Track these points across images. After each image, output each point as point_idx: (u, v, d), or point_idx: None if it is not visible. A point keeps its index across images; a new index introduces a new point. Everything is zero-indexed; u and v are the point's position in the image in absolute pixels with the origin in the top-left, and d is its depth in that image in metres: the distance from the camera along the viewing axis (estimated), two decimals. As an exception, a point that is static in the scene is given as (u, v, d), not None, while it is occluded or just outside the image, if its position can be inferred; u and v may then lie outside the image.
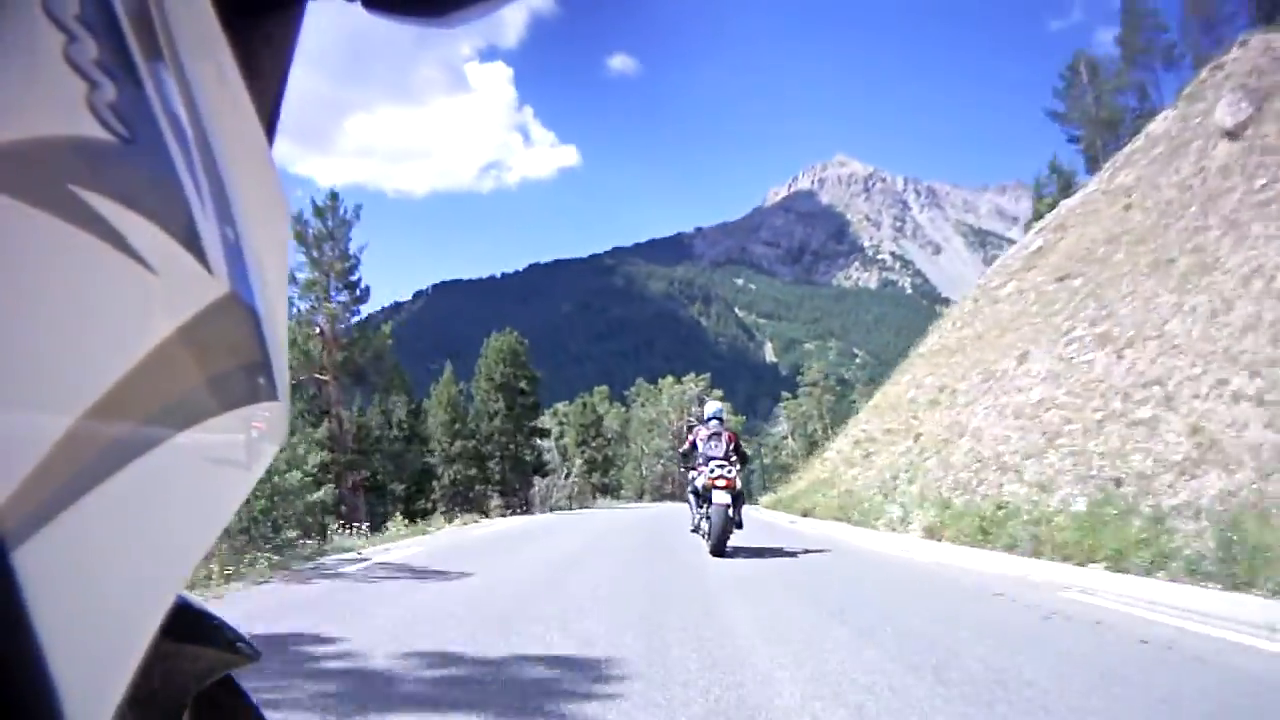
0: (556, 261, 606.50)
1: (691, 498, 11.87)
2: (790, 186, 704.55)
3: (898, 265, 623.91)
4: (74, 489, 0.40)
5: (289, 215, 0.77)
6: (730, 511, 10.95)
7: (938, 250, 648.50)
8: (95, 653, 0.42)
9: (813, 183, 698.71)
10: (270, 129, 0.78)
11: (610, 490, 63.38)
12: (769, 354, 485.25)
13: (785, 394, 65.46)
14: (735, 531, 11.48)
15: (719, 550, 10.80)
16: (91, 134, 0.44)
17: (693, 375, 78.47)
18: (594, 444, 62.37)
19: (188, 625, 1.01)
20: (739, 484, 11.26)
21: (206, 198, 0.58)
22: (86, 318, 0.43)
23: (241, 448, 0.67)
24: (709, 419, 11.96)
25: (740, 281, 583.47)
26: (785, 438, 71.23)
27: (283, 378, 0.75)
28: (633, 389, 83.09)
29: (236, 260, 0.63)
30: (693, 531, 12.05)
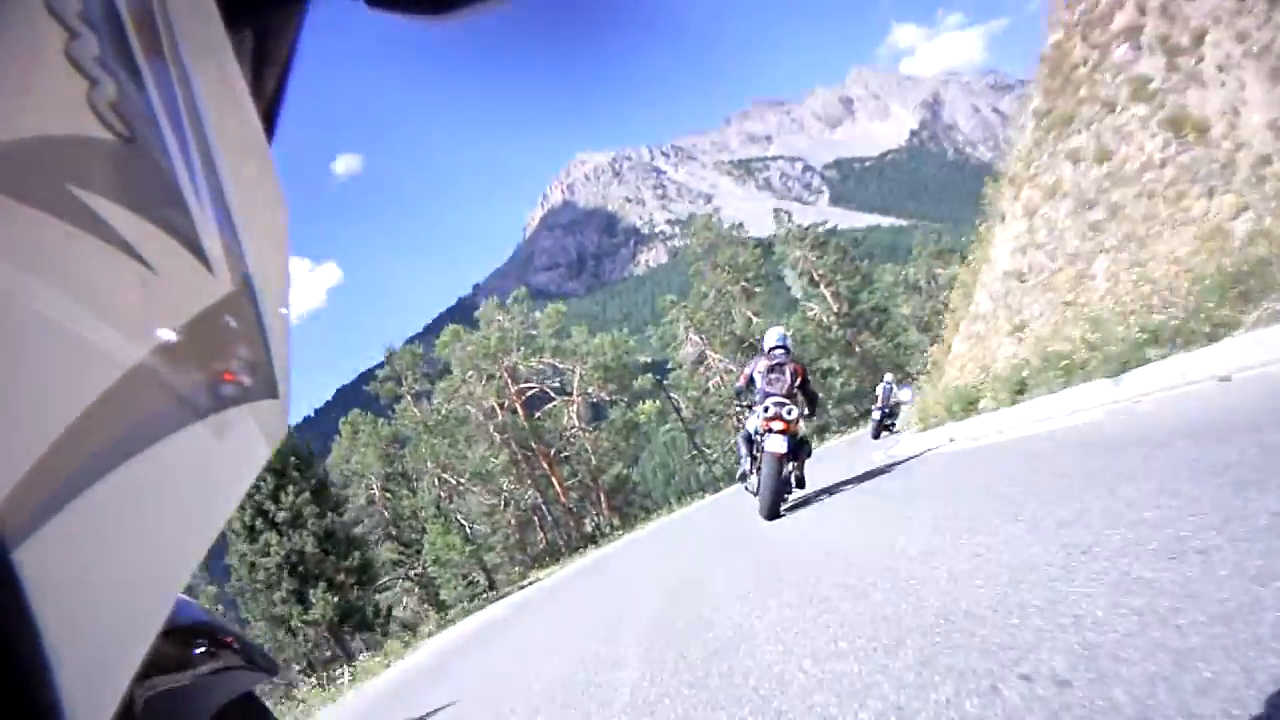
0: (359, 375, 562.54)
1: (743, 444, 9.32)
2: (544, 204, 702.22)
3: (678, 229, 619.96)
4: (74, 487, 0.40)
5: (288, 215, 0.78)
6: (788, 464, 8.65)
7: (709, 199, 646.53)
8: (97, 650, 0.42)
9: (563, 191, 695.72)
10: (271, 128, 0.79)
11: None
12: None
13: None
14: (796, 491, 9.33)
15: (772, 511, 8.41)
16: (92, 133, 0.44)
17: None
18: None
19: (210, 642, 1.05)
20: (802, 429, 9.00)
21: (206, 197, 0.59)
22: (87, 317, 0.43)
23: (242, 445, 0.68)
24: (771, 348, 9.42)
25: (537, 315, 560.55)
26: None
27: (283, 376, 0.76)
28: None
29: (237, 259, 0.64)
30: (740, 482, 10.03)
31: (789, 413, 8.55)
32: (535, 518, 52.39)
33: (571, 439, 53.33)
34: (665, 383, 61.40)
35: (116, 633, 0.45)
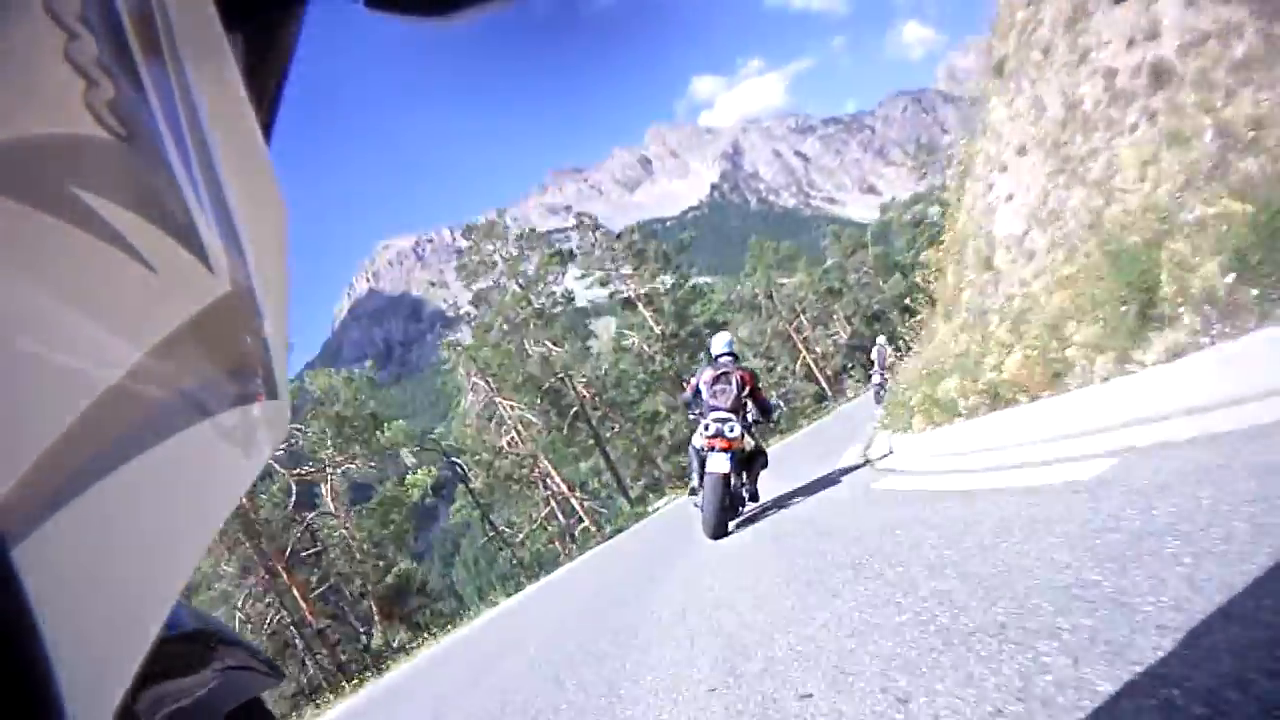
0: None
1: (693, 457, 8.53)
2: (350, 295, 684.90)
3: (482, 306, 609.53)
4: (75, 486, 0.40)
5: (287, 214, 0.78)
6: (735, 480, 8.21)
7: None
8: (98, 649, 0.42)
9: (369, 279, 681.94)
10: (269, 128, 0.79)
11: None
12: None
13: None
14: (750, 504, 8.90)
15: (716, 531, 7.93)
16: (91, 134, 0.44)
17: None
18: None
19: (214, 648, 1.06)
20: (750, 443, 8.49)
21: (205, 197, 0.58)
22: (87, 316, 0.43)
23: (243, 444, 0.67)
24: (717, 356, 8.95)
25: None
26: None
27: (283, 375, 0.76)
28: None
29: (236, 259, 0.63)
30: (690, 496, 9.20)
31: (731, 430, 8.13)
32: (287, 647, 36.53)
33: (327, 531, 37.54)
34: (445, 444, 47.18)
35: (117, 632, 0.45)
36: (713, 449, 8.07)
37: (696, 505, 8.58)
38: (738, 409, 8.47)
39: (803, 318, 65.62)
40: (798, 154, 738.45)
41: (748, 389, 8.67)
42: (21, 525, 0.35)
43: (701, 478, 8.26)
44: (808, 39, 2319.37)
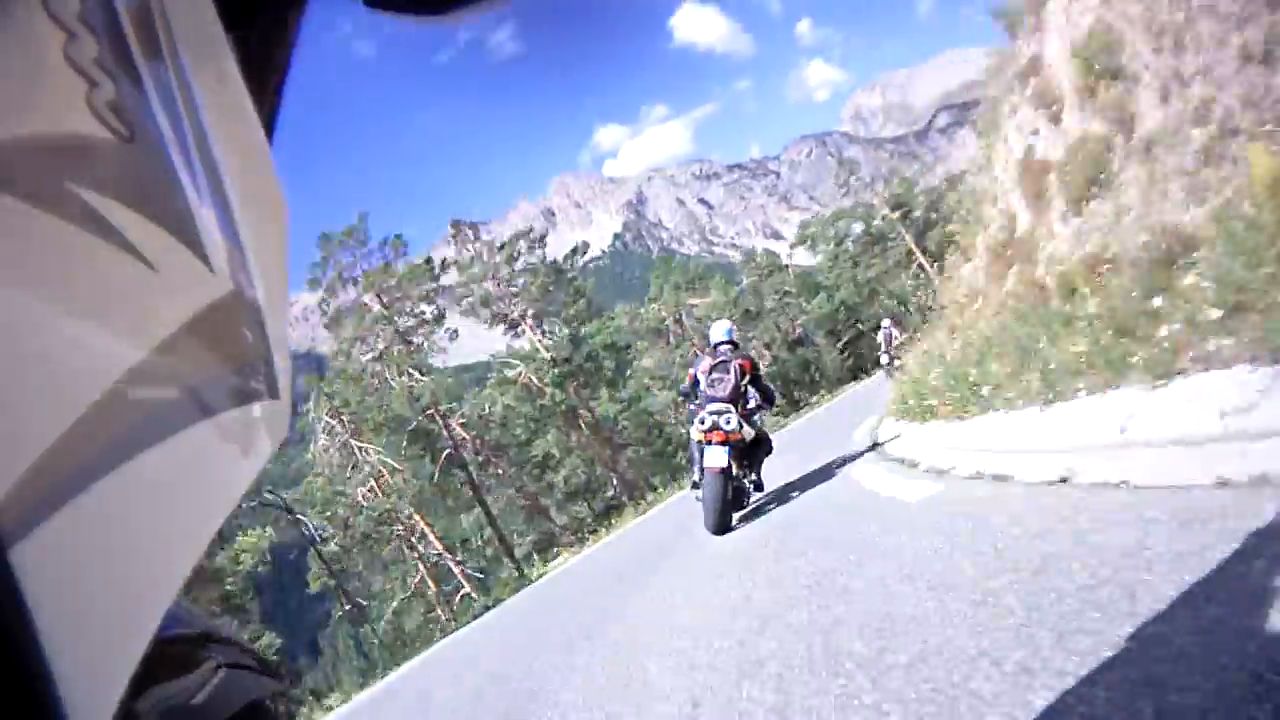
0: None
1: (694, 449, 8.25)
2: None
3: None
4: (74, 486, 0.40)
5: (288, 214, 0.78)
6: (737, 472, 8.11)
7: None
8: (96, 649, 0.42)
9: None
10: (270, 128, 0.79)
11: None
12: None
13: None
14: (755, 494, 8.84)
15: (719, 526, 7.69)
16: (92, 133, 0.44)
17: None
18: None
19: (216, 650, 1.05)
20: (750, 432, 8.24)
21: (206, 196, 0.59)
22: (87, 316, 0.43)
23: (243, 445, 0.68)
24: (716, 344, 8.86)
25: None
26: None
27: (284, 375, 0.77)
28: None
29: (237, 258, 0.64)
30: (693, 490, 8.77)
31: (728, 422, 7.96)
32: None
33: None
34: (289, 500, 37.93)
35: (115, 633, 0.46)
36: (709, 443, 7.85)
37: (698, 499, 8.22)
38: (736, 399, 8.26)
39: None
40: (701, 201, 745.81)
41: (747, 377, 8.46)
42: (21, 525, 0.35)
43: (702, 471, 7.96)
44: (712, 84, 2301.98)
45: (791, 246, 76.75)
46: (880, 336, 27.41)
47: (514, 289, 46.65)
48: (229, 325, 0.63)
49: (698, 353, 55.60)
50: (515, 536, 43.98)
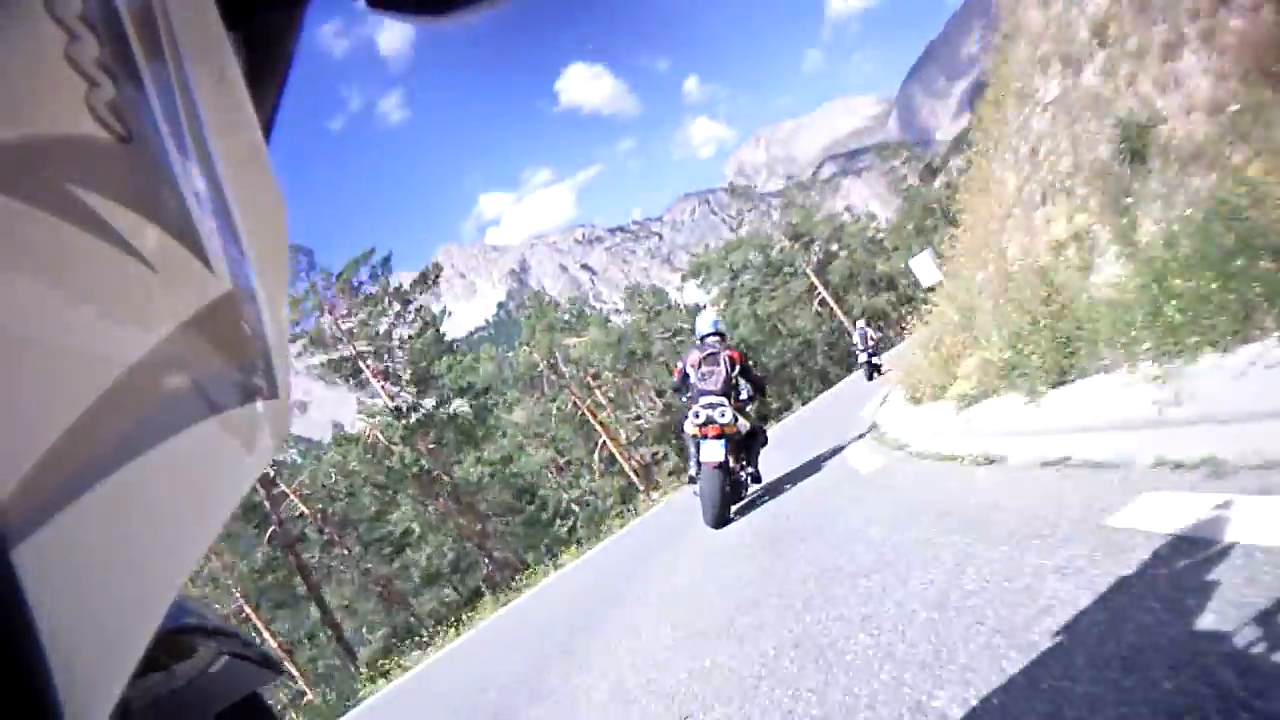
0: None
1: (690, 444, 8.19)
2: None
3: None
4: (75, 487, 0.40)
5: (287, 214, 0.78)
6: (734, 465, 8.12)
7: (304, 406, 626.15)
8: (96, 649, 0.42)
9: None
10: (270, 128, 0.79)
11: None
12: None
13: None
14: (752, 486, 8.87)
15: (718, 520, 7.71)
16: (91, 133, 0.45)
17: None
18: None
19: (212, 642, 1.06)
20: (744, 425, 8.25)
21: (206, 196, 0.59)
22: (87, 316, 0.43)
23: (242, 446, 0.68)
24: (703, 337, 8.78)
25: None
26: None
27: (284, 376, 0.76)
28: None
29: (237, 258, 0.64)
30: (690, 484, 8.80)
31: (722, 415, 7.96)
32: None
33: None
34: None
35: (115, 634, 0.46)
36: (705, 437, 7.85)
37: (696, 494, 8.30)
38: (729, 391, 8.26)
39: (598, 393, 50.04)
40: (584, 267, 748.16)
41: (738, 368, 8.48)
42: (21, 526, 0.35)
43: (699, 466, 7.99)
44: (597, 145, 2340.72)
45: (683, 278, 72.38)
46: (856, 338, 29.71)
47: (352, 324, 39.67)
48: (228, 325, 0.63)
49: (576, 402, 50.54)
50: (365, 631, 36.41)
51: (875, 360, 27.83)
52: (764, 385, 9.14)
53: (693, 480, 8.36)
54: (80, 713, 0.38)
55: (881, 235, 73.09)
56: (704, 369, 8.33)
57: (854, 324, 33.69)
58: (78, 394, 0.41)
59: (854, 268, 66.47)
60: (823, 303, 57.36)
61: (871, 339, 28.31)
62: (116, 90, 0.47)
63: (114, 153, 0.47)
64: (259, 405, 0.69)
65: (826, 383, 59.11)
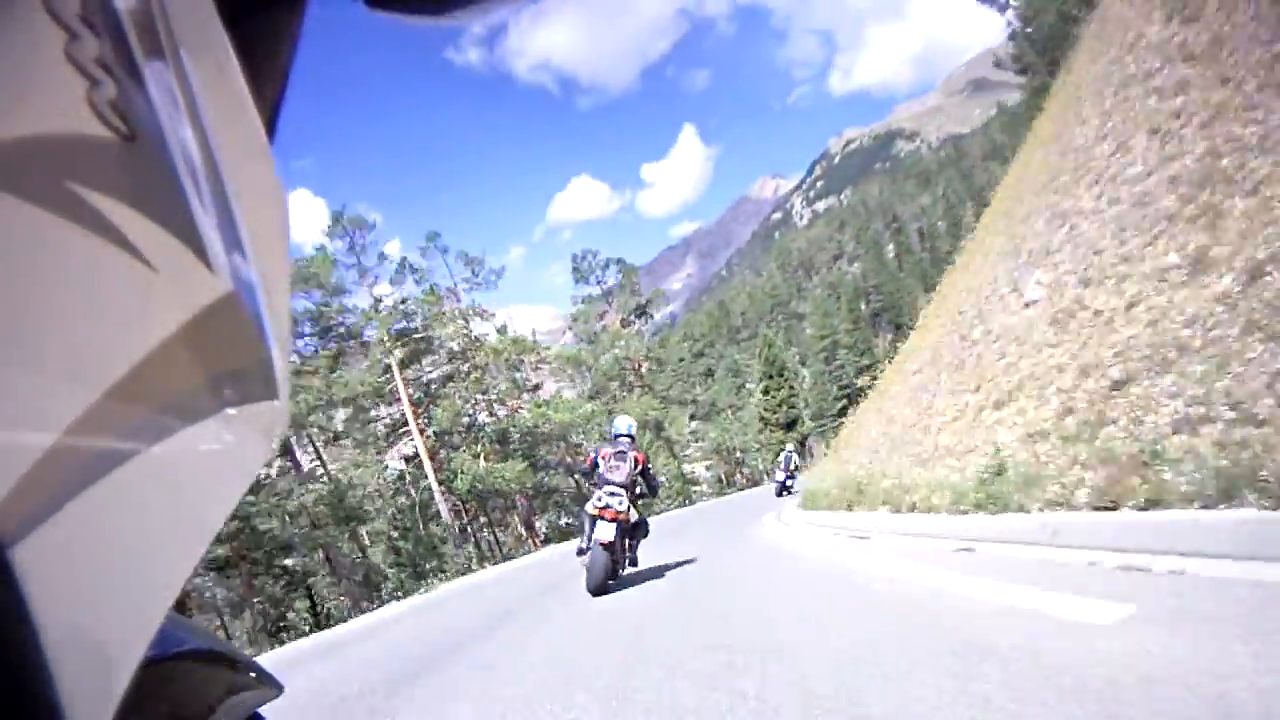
0: None
1: (586, 520, 9.81)
2: None
3: None
4: (73, 486, 0.40)
5: (289, 214, 0.79)
6: (620, 544, 9.68)
7: None
8: (96, 648, 0.43)
9: None
10: (271, 127, 0.80)
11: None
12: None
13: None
14: (629, 568, 10.42)
15: (598, 589, 9.38)
16: (92, 132, 0.44)
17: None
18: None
19: (215, 665, 1.08)
20: (634, 515, 9.93)
21: (207, 196, 0.59)
22: (87, 316, 0.43)
23: (241, 446, 0.68)
24: (617, 435, 10.43)
25: None
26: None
27: (284, 377, 0.76)
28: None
29: (238, 258, 0.64)
30: (579, 555, 10.17)
31: (620, 504, 9.43)
32: None
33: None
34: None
35: (115, 632, 0.45)
36: (601, 518, 9.43)
37: (584, 564, 9.86)
38: (629, 484, 9.81)
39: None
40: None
41: (639, 467, 10.03)
42: (21, 525, 0.35)
43: (590, 541, 9.58)
44: None
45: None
46: (781, 458, 32.66)
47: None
48: (229, 325, 0.63)
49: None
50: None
51: (791, 483, 30.02)
52: (657, 487, 10.59)
53: (581, 552, 9.87)
54: (82, 712, 0.38)
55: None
56: (613, 462, 9.86)
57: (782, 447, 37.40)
58: (78, 393, 0.41)
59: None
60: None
61: (795, 464, 31.20)
62: (117, 89, 0.47)
63: (116, 151, 0.47)
64: (258, 406, 0.70)
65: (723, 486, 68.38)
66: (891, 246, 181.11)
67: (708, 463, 71.44)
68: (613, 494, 9.50)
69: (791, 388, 74.86)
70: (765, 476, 60.80)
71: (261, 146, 0.70)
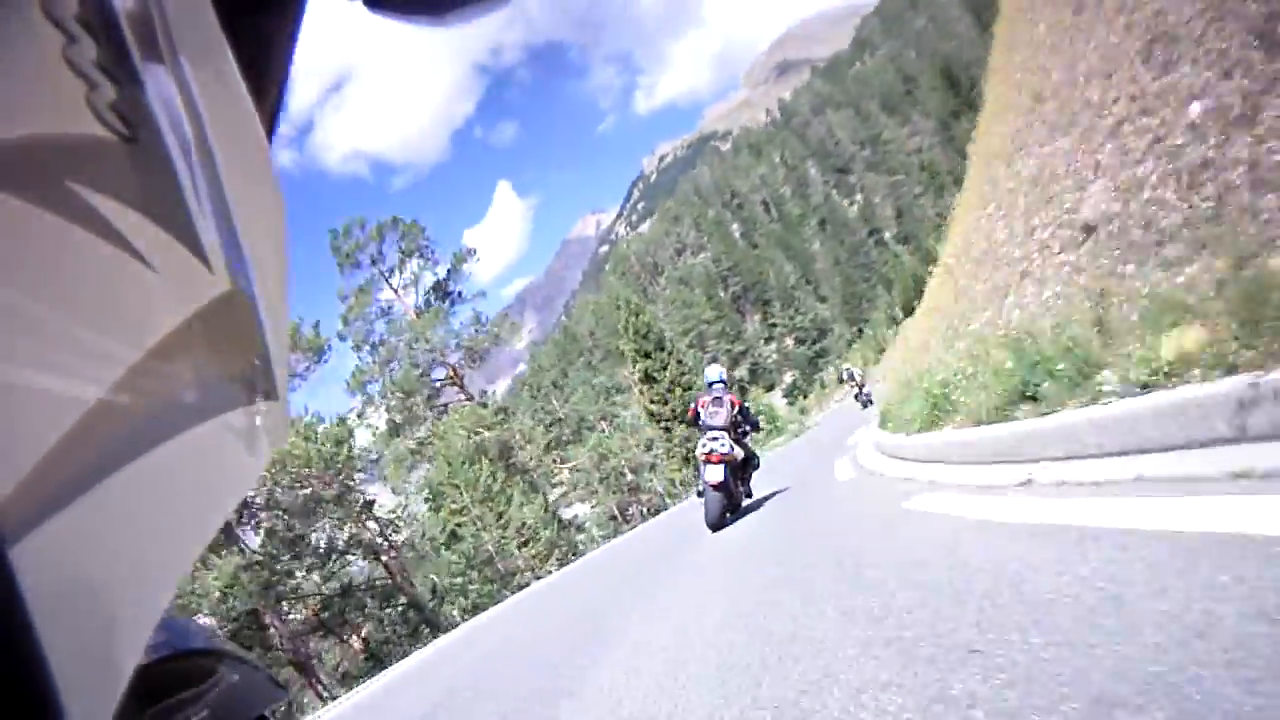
0: None
1: (700, 465, 10.48)
2: None
3: None
4: (74, 487, 0.40)
5: (287, 214, 0.78)
6: (732, 484, 10.29)
7: None
8: (96, 648, 0.42)
9: None
10: (270, 128, 0.79)
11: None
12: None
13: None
14: (745, 500, 11.21)
15: (715, 525, 10.08)
16: (91, 133, 0.45)
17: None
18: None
19: (220, 666, 1.06)
20: (740, 453, 10.52)
21: (206, 196, 0.59)
22: (87, 316, 0.43)
23: (241, 446, 0.68)
24: (710, 384, 11.19)
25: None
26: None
27: (282, 377, 0.76)
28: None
29: (236, 258, 0.64)
30: (698, 496, 10.98)
31: (722, 445, 10.08)
32: None
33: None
34: None
35: (114, 633, 0.46)
36: (708, 462, 10.04)
37: (701, 503, 10.57)
38: (730, 426, 10.51)
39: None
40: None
41: (736, 409, 10.75)
42: (21, 525, 0.35)
43: (704, 484, 10.20)
44: None
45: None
46: (843, 375, 38.10)
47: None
48: (228, 326, 0.63)
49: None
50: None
51: (866, 392, 33.20)
52: (758, 423, 11.29)
53: (700, 494, 10.47)
54: (81, 712, 0.38)
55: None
56: (711, 408, 10.57)
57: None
58: (78, 393, 0.41)
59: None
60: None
61: (858, 378, 35.06)
62: (116, 91, 0.47)
63: (115, 153, 0.47)
64: (258, 406, 0.70)
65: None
66: (736, 225, 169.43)
67: (591, 500, 50.31)
68: (714, 438, 10.14)
69: (680, 362, 54.58)
70: (670, 501, 44.72)
71: (260, 147, 0.71)
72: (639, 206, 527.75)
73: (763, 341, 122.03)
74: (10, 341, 0.37)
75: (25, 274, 0.38)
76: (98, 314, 0.44)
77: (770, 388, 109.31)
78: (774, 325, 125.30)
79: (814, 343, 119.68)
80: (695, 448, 10.87)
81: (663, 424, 49.40)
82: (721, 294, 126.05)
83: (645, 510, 47.80)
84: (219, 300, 0.59)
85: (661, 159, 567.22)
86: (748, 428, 10.99)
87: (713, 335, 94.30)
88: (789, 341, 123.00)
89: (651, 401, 51.13)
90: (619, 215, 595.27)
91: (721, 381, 11.10)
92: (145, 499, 0.49)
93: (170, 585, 0.54)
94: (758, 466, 11.39)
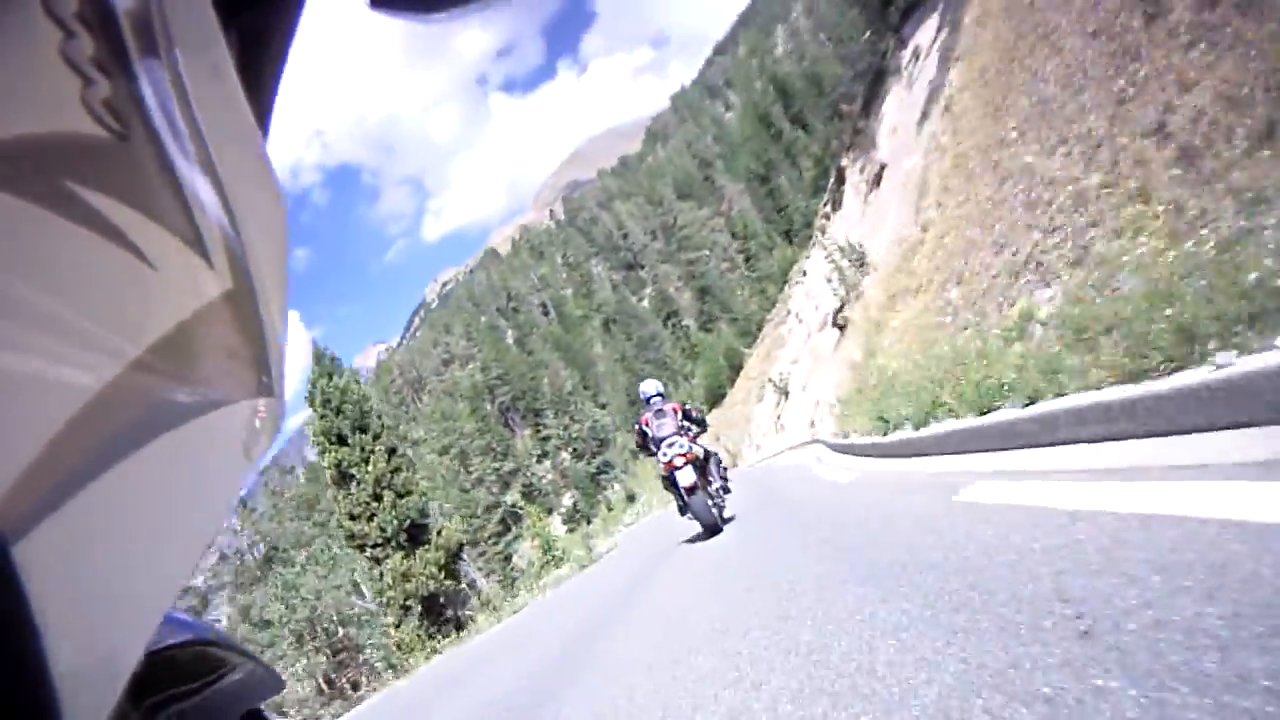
0: None
1: (670, 488, 10.33)
2: None
3: None
4: (73, 484, 0.40)
5: (286, 210, 0.79)
6: (703, 480, 10.09)
7: None
8: (96, 646, 0.42)
9: None
10: (265, 124, 0.79)
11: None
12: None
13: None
14: (725, 497, 11.03)
15: (713, 529, 9.96)
16: (90, 131, 0.44)
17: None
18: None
19: (215, 658, 1.07)
20: (702, 450, 10.49)
21: (204, 194, 0.59)
22: (86, 313, 0.43)
23: (240, 443, 0.68)
24: (647, 398, 11.09)
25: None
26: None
27: (280, 373, 0.76)
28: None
29: (235, 256, 0.64)
30: (682, 515, 10.88)
31: (681, 448, 9.85)
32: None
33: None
34: None
35: (115, 629, 0.46)
36: (675, 469, 9.72)
37: (689, 519, 10.48)
38: (680, 430, 10.27)
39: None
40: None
41: (680, 414, 10.55)
42: (21, 522, 0.35)
43: (682, 495, 9.97)
44: None
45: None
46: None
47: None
48: (228, 322, 0.63)
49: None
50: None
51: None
52: (704, 420, 11.22)
53: (682, 511, 10.45)
54: (81, 710, 0.37)
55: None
56: (656, 423, 10.38)
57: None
58: (77, 391, 0.41)
59: None
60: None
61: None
62: (113, 88, 0.46)
63: (112, 151, 0.46)
64: (258, 403, 0.69)
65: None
66: (511, 331, 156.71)
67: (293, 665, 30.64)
68: (670, 444, 9.91)
69: (401, 454, 30.50)
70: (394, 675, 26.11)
71: (258, 143, 0.72)
72: (418, 334, 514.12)
73: (535, 459, 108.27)
74: (10, 339, 0.36)
75: (23, 271, 0.38)
76: (98, 311, 0.44)
77: (549, 511, 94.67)
78: (546, 439, 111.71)
79: (594, 455, 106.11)
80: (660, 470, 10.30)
81: (369, 549, 28.27)
82: (488, 406, 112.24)
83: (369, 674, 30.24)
84: (219, 297, 0.59)
85: (445, 285, 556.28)
86: (695, 428, 10.67)
87: (477, 451, 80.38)
88: (564, 456, 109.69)
89: (351, 515, 28.56)
90: (400, 343, 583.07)
91: (660, 394, 10.94)
92: (147, 494, 0.49)
93: (174, 580, 0.54)
94: (720, 460, 11.18)
